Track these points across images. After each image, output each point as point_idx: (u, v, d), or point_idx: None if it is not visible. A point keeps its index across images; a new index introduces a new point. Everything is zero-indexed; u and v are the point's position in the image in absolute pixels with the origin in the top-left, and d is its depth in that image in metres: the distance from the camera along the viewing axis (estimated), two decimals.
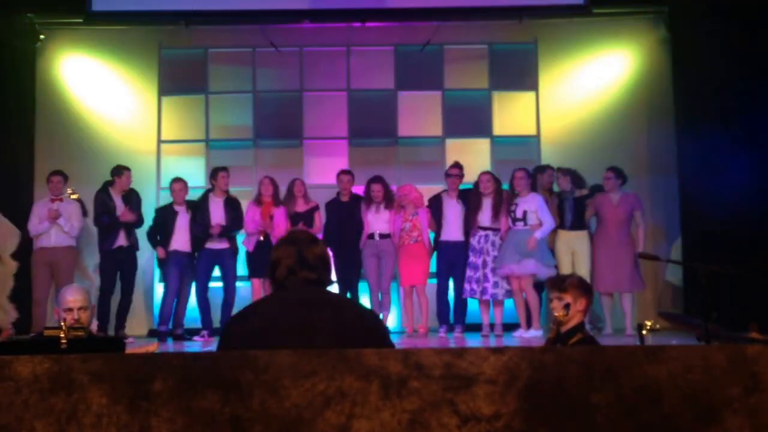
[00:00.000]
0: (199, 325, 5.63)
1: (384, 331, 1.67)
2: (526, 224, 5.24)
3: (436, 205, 5.61)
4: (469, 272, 5.33)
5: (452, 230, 5.48)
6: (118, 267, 5.52)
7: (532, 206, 5.26)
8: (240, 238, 5.78)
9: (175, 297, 5.55)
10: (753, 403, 1.15)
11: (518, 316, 5.34)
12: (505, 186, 5.55)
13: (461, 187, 5.64)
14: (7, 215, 5.34)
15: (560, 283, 2.60)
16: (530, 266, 5.13)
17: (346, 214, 5.55)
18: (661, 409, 1.15)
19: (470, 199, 5.44)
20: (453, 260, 5.47)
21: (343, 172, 5.76)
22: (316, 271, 1.69)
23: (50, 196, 5.50)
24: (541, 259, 5.19)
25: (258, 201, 5.61)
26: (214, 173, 5.69)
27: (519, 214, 5.27)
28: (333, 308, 1.60)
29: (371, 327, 1.61)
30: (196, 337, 5.50)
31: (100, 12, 5.59)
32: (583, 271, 5.21)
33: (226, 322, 1.82)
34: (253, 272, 5.53)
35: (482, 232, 5.36)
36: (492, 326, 5.42)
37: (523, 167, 5.52)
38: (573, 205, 5.48)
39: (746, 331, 2.29)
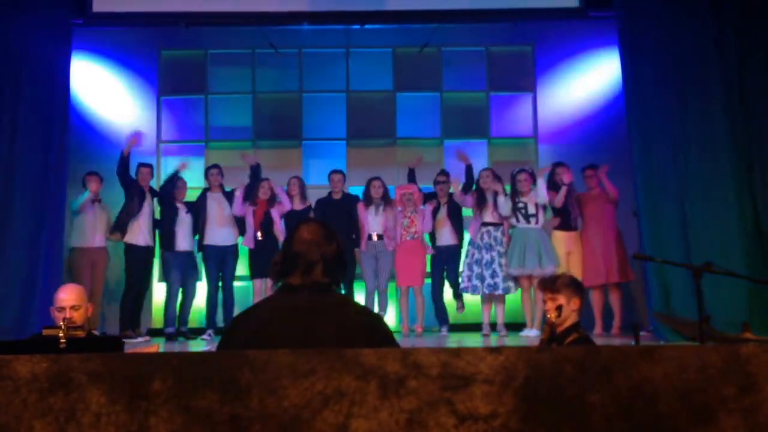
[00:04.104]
0: (203, 324, 5.65)
1: (387, 334, 1.62)
2: (537, 222, 5.32)
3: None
4: (476, 269, 5.35)
5: (444, 234, 5.55)
6: (144, 265, 5.56)
7: (538, 195, 5.33)
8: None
9: (176, 297, 5.56)
10: (748, 403, 1.15)
11: (525, 315, 5.39)
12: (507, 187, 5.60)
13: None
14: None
15: (552, 284, 2.57)
16: (550, 267, 5.17)
17: (337, 212, 5.55)
18: (656, 408, 1.15)
19: (475, 196, 5.49)
20: (447, 263, 5.56)
21: (333, 171, 5.79)
22: (325, 271, 1.61)
23: (92, 196, 5.56)
24: (554, 260, 5.25)
25: (253, 202, 5.61)
26: (205, 172, 5.80)
27: (532, 209, 5.32)
28: (335, 312, 1.57)
29: (375, 331, 1.57)
30: (202, 336, 5.50)
31: (101, 13, 5.59)
32: (577, 270, 5.25)
33: (228, 323, 1.76)
34: (255, 273, 5.53)
35: (484, 228, 5.40)
36: (494, 325, 5.44)
37: (524, 168, 5.57)
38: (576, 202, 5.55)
39: (739, 332, 2.31)
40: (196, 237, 5.66)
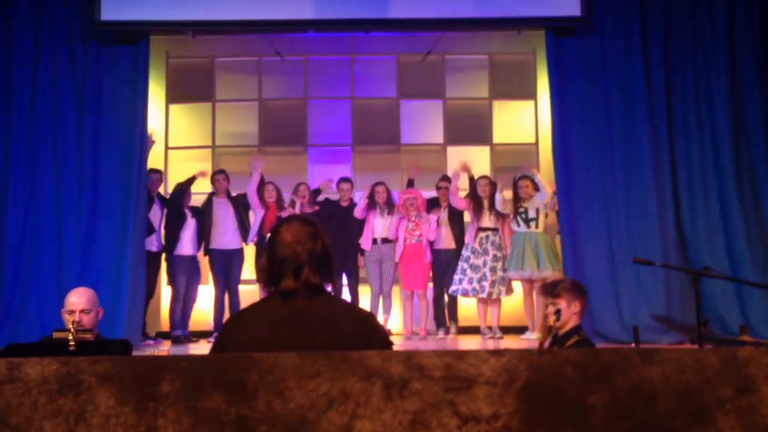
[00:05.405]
0: (208, 327, 5.67)
1: (381, 334, 1.60)
2: (538, 226, 5.35)
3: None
4: (470, 273, 5.38)
5: (444, 239, 5.59)
6: (156, 270, 5.60)
7: (541, 200, 5.38)
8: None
9: (182, 301, 5.60)
10: (744, 405, 1.17)
11: (526, 318, 5.41)
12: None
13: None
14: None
15: (552, 288, 2.58)
16: (548, 271, 5.21)
17: (344, 219, 5.61)
18: (655, 409, 1.17)
19: (471, 202, 5.54)
20: (446, 267, 5.58)
21: (342, 180, 5.84)
22: (315, 270, 1.56)
23: None
24: (553, 264, 5.28)
25: (264, 206, 5.67)
26: (211, 177, 5.85)
27: (532, 214, 5.36)
28: (328, 317, 1.54)
29: (368, 330, 1.57)
30: (209, 339, 5.53)
31: (109, 22, 5.66)
32: None
33: (223, 325, 1.75)
34: None
35: (482, 233, 5.43)
36: (489, 328, 5.46)
37: (526, 175, 5.59)
38: None
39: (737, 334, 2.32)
40: (202, 242, 5.71)
